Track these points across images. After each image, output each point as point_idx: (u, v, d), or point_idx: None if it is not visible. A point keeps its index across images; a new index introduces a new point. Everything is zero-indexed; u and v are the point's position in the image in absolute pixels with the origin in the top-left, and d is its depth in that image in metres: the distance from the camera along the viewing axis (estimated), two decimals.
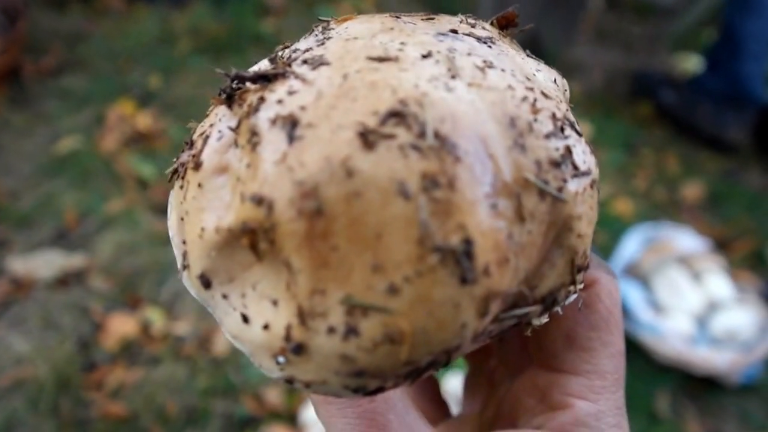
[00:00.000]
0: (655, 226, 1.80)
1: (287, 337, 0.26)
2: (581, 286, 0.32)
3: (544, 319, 0.31)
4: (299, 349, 0.26)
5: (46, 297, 1.42)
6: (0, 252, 1.49)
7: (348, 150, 0.25)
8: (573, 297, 0.32)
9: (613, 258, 1.75)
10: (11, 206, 1.60)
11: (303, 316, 0.26)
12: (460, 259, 0.25)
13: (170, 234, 0.30)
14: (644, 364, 1.56)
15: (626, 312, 1.58)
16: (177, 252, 0.30)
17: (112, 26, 2.31)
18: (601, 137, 2.28)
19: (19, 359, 1.29)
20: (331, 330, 0.25)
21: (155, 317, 1.43)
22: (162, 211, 1.69)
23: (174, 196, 0.31)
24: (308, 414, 1.30)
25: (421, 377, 0.28)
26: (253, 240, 0.27)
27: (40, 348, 1.31)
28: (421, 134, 0.25)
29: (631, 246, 1.74)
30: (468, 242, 0.25)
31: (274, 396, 1.34)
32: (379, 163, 0.25)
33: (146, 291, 1.50)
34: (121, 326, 1.39)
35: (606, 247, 1.82)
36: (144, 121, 1.91)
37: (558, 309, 0.32)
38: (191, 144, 0.31)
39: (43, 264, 1.47)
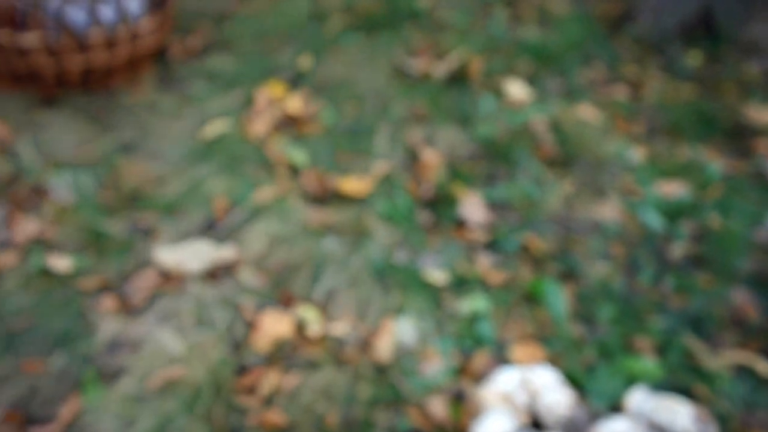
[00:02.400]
0: None
1: None
2: None
3: None
4: None
5: (197, 291, 1.46)
6: (146, 241, 1.56)
7: None
8: None
9: None
10: (158, 193, 1.66)
11: None
12: None
13: None
14: None
15: None
16: None
17: (260, 4, 2.39)
18: None
19: (172, 358, 1.33)
20: None
21: (310, 316, 1.43)
22: (316, 200, 1.71)
23: None
24: (480, 430, 1.25)
25: None
26: None
27: (193, 347, 1.35)
28: None
29: None
30: None
31: (439, 409, 1.31)
32: None
33: (300, 287, 1.50)
34: (275, 325, 1.40)
35: None
36: (294, 103, 1.94)
37: None
38: None
39: (191, 255, 1.51)
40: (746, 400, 1.44)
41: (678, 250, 1.74)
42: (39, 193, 1.64)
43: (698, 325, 1.58)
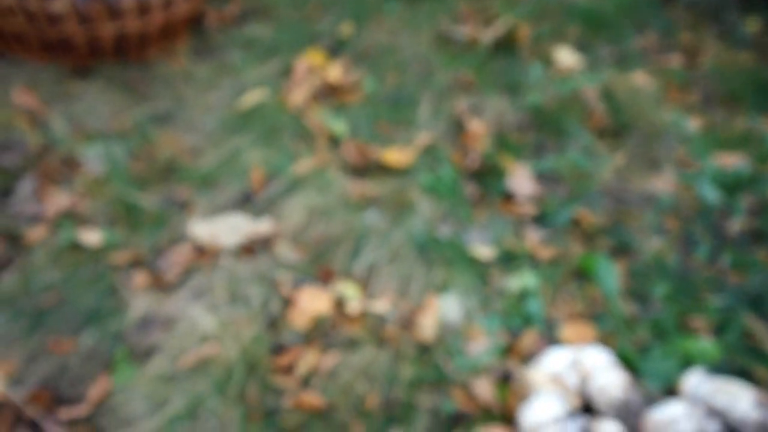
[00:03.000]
0: None
1: None
2: None
3: None
4: None
5: (230, 266, 1.40)
6: (180, 215, 1.50)
7: None
8: None
9: None
10: (193, 165, 1.61)
11: None
12: None
13: None
14: None
15: None
16: None
17: None
18: None
19: (205, 336, 1.28)
20: None
21: (350, 293, 1.37)
22: (356, 171, 1.64)
23: None
24: (532, 415, 1.18)
25: None
26: None
27: (227, 324, 1.29)
28: None
29: None
30: None
31: (485, 390, 1.24)
32: None
33: (339, 263, 1.44)
34: (313, 302, 1.34)
35: None
36: (335, 72, 1.88)
37: None
38: None
39: (226, 229, 1.45)
40: None
41: (736, 224, 1.65)
42: (70, 165, 1.59)
43: (758, 304, 1.49)
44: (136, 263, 1.40)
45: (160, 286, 1.36)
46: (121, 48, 1.87)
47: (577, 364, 1.23)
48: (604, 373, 1.21)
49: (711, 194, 1.72)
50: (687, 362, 1.34)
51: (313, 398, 1.19)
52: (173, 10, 1.88)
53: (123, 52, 1.87)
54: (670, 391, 1.24)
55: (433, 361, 1.28)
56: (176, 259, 1.40)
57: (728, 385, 1.24)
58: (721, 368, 1.35)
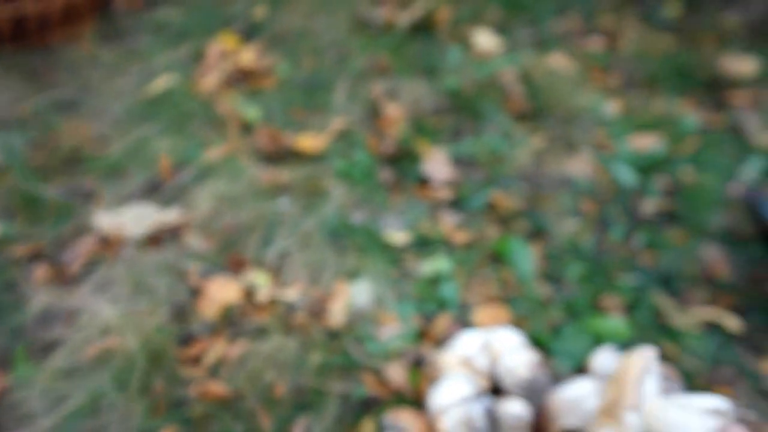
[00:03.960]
0: None
1: None
2: None
3: None
4: None
5: (136, 257, 1.39)
6: (86, 205, 1.49)
7: None
8: None
9: None
10: (99, 153, 1.59)
11: None
12: None
13: None
14: None
15: None
16: None
17: None
18: None
19: (106, 329, 1.27)
20: None
21: (261, 281, 1.38)
22: (269, 158, 1.64)
23: None
24: (440, 397, 1.21)
25: None
26: None
27: (129, 316, 1.29)
28: None
29: None
30: None
31: (397, 374, 1.27)
32: None
33: (250, 251, 1.45)
34: (222, 292, 1.35)
35: None
36: (248, 56, 1.87)
37: None
38: None
39: (133, 219, 1.45)
40: (713, 356, 1.42)
41: (650, 205, 1.70)
42: None
43: (668, 283, 1.55)
44: (37, 256, 1.38)
45: (63, 279, 1.35)
46: (21, 32, 1.83)
47: (488, 346, 1.26)
48: (513, 354, 1.23)
49: (626, 176, 1.77)
50: (598, 341, 1.38)
51: (219, 388, 1.20)
52: None
53: (22, 36, 1.83)
54: (581, 369, 1.27)
55: (342, 348, 1.29)
56: (80, 251, 1.39)
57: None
58: (631, 346, 1.40)
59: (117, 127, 1.66)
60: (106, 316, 1.27)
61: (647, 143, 1.87)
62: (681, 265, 1.59)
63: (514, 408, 1.12)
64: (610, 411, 0.61)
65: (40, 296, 1.31)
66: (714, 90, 2.16)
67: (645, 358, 0.61)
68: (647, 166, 1.81)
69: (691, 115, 2.01)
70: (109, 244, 1.40)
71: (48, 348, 1.24)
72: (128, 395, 1.17)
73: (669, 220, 1.69)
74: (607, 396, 0.65)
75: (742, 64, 2.20)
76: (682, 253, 1.61)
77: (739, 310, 1.52)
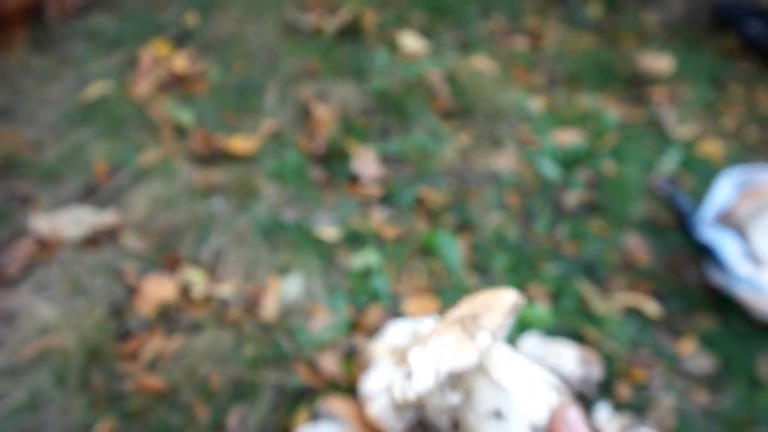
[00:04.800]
0: (748, 169, 1.79)
1: None
2: None
3: None
4: None
5: (73, 258, 1.44)
6: (23, 209, 1.52)
7: None
8: None
9: (703, 205, 1.78)
10: (35, 159, 1.63)
11: None
12: None
13: None
14: (743, 324, 1.59)
15: (722, 265, 1.60)
16: None
17: None
18: (684, 71, 2.34)
19: (45, 328, 1.31)
20: None
21: (196, 279, 1.43)
22: (202, 160, 1.70)
23: None
24: (369, 384, 1.28)
25: None
26: None
27: (67, 315, 1.33)
28: None
29: (723, 191, 1.74)
30: None
31: (330, 364, 1.33)
32: None
33: (185, 250, 1.50)
34: (158, 290, 1.40)
35: (696, 193, 1.87)
36: (180, 63, 1.92)
37: None
38: None
39: (70, 222, 1.49)
40: (633, 340, 1.51)
41: (573, 198, 1.79)
42: None
43: (591, 271, 1.64)
44: None
45: (1, 281, 1.38)
46: None
47: (417, 334, 1.32)
48: None
49: (550, 170, 1.86)
50: (524, 328, 1.46)
51: (156, 381, 1.25)
52: (5, 2, 1.87)
53: None
54: None
55: (275, 340, 1.35)
56: (17, 254, 1.43)
57: (557, 346, 1.37)
58: (556, 331, 1.49)
59: (52, 133, 1.69)
60: (44, 316, 1.31)
61: (570, 138, 1.96)
62: (603, 253, 1.68)
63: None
64: (464, 321, 0.59)
65: None
66: (634, 86, 2.26)
67: (519, 298, 0.62)
68: (570, 160, 1.90)
69: (612, 110, 2.11)
70: (46, 247, 1.44)
71: None
72: (67, 391, 1.21)
73: (591, 211, 1.78)
74: (465, 309, 0.63)
75: (659, 62, 2.32)
76: (604, 242, 1.70)
77: (658, 296, 1.62)
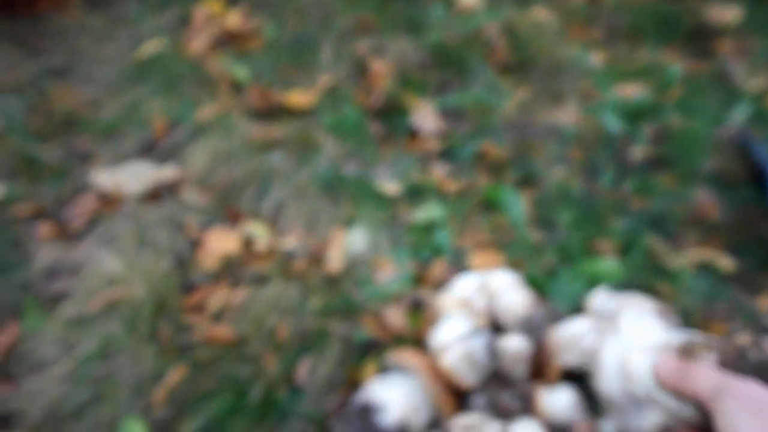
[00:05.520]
0: None
1: None
2: None
3: None
4: None
5: (136, 212, 1.44)
6: (83, 166, 1.54)
7: None
8: None
9: None
10: (93, 116, 1.64)
11: None
12: None
13: None
14: None
15: None
16: None
17: None
18: (753, 22, 2.25)
19: (112, 280, 1.32)
20: None
21: (258, 232, 1.43)
22: (260, 115, 1.69)
23: None
24: (441, 337, 1.27)
25: None
26: None
27: (133, 267, 1.34)
28: None
29: None
30: None
31: (396, 317, 1.32)
32: None
33: (246, 204, 1.50)
34: (221, 243, 1.40)
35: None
36: (234, 19, 1.91)
37: None
38: None
39: (131, 177, 1.50)
40: (708, 295, 1.48)
41: (638, 152, 1.75)
42: None
43: (660, 226, 1.60)
44: (40, 214, 1.43)
45: (66, 235, 1.40)
46: (8, 1, 1.86)
47: (485, 287, 1.30)
48: (510, 293, 1.27)
49: (614, 124, 1.82)
50: (593, 283, 1.43)
51: (224, 332, 1.25)
52: None
53: (10, 5, 1.87)
54: (577, 310, 1.31)
55: (342, 292, 1.35)
56: (80, 208, 1.44)
57: (631, 300, 1.34)
58: (625, 287, 1.46)
59: (109, 91, 1.70)
60: (111, 268, 1.32)
61: (633, 92, 1.92)
62: (672, 208, 1.64)
63: (514, 343, 1.17)
64: None
65: (45, 252, 1.36)
66: (698, 39, 2.20)
67: None
68: (634, 114, 1.86)
69: (675, 63, 2.06)
70: (109, 201, 1.45)
71: (56, 300, 1.29)
72: (137, 341, 1.22)
73: (658, 165, 1.75)
74: None
75: (726, 13, 2.25)
76: (673, 196, 1.66)
77: (732, 251, 1.58)
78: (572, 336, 1.20)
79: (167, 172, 1.50)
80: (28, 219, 1.42)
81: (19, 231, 1.39)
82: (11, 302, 1.28)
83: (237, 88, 1.73)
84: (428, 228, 1.50)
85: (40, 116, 1.62)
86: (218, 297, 1.30)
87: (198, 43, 1.82)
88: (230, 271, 1.36)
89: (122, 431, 1.11)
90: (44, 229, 1.39)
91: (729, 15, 2.23)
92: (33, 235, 1.39)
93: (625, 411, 0.70)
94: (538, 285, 1.37)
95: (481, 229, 1.52)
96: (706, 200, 1.68)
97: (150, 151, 1.58)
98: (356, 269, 1.39)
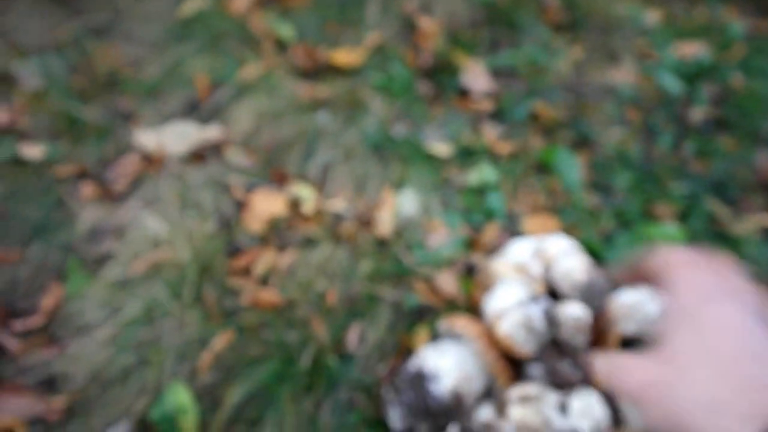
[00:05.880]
0: None
1: None
2: None
3: None
4: None
5: (180, 173, 1.41)
6: (126, 126, 1.50)
7: None
8: None
9: None
10: (136, 76, 1.60)
11: None
12: None
13: None
14: None
15: None
16: None
17: None
18: None
19: (156, 242, 1.29)
20: None
21: (305, 194, 1.39)
22: (305, 74, 1.65)
23: None
24: (496, 303, 1.22)
25: None
26: None
27: (178, 229, 1.31)
28: None
29: None
30: None
31: (448, 283, 1.28)
32: None
33: (292, 165, 1.46)
34: (267, 205, 1.36)
35: None
36: None
37: None
38: None
39: (174, 137, 1.46)
40: None
41: (698, 113, 1.68)
42: (6, 81, 1.57)
43: (721, 190, 1.54)
44: (83, 175, 1.40)
45: (109, 196, 1.37)
46: None
47: (541, 252, 1.26)
48: (567, 258, 1.23)
49: (672, 84, 1.75)
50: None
51: (271, 295, 1.21)
52: None
53: None
54: None
55: (392, 256, 1.31)
56: (124, 169, 1.41)
57: None
58: None
59: (151, 50, 1.66)
60: (155, 230, 1.29)
61: (692, 51, 1.84)
62: (734, 172, 1.57)
63: (573, 310, 1.12)
64: None
65: (88, 213, 1.33)
66: None
67: None
68: (693, 74, 1.78)
69: (736, 22, 1.97)
70: (152, 162, 1.42)
71: (100, 261, 1.26)
72: (182, 304, 1.19)
73: (719, 127, 1.68)
74: None
75: None
76: (735, 160, 1.60)
77: None
78: (633, 303, 1.16)
79: (211, 132, 1.46)
80: (70, 179, 1.39)
81: (61, 192, 1.36)
82: (55, 264, 1.25)
83: (281, 46, 1.68)
84: (480, 191, 1.45)
85: (81, 76, 1.59)
86: (265, 260, 1.27)
87: (241, 1, 1.77)
88: (277, 233, 1.32)
89: (167, 397, 1.08)
90: (87, 189, 1.36)
91: None
92: (76, 195, 1.36)
93: None
94: (594, 250, 1.32)
95: (535, 192, 1.47)
96: None
97: (193, 110, 1.54)
98: (407, 233, 1.35)
